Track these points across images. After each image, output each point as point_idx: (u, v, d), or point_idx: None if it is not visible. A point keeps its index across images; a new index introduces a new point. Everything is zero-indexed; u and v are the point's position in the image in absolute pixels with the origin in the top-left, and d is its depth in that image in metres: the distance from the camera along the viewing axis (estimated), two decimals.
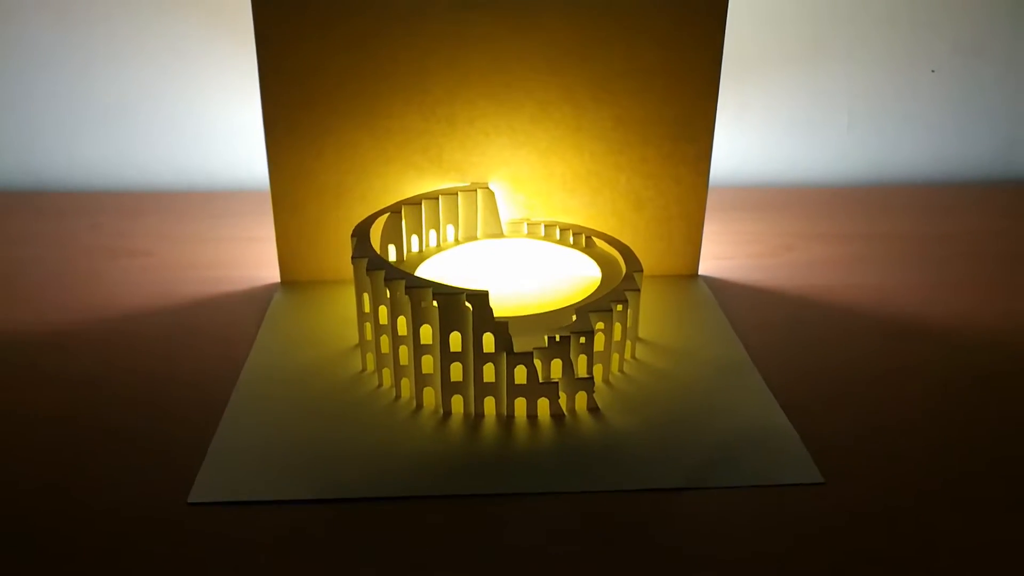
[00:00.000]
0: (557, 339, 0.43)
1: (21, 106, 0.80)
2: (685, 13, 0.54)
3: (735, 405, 0.45)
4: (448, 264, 0.54)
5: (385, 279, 0.44)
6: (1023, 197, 0.83)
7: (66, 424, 0.43)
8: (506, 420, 0.44)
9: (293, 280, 0.60)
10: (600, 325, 0.45)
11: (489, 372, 0.43)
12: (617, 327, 0.47)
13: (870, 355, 0.51)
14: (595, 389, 0.45)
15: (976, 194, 0.83)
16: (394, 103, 0.55)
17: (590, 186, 0.58)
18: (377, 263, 0.45)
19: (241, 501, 0.38)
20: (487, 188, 0.56)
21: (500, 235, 0.57)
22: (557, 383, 0.44)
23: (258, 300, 0.57)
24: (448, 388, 0.44)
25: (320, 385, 0.47)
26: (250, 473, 0.40)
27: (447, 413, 0.44)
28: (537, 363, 0.43)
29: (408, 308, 0.43)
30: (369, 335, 0.48)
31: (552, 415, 0.44)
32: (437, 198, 0.55)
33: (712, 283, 0.60)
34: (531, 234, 0.57)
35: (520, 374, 0.43)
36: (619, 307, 0.46)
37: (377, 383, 0.47)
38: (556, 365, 0.43)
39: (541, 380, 0.43)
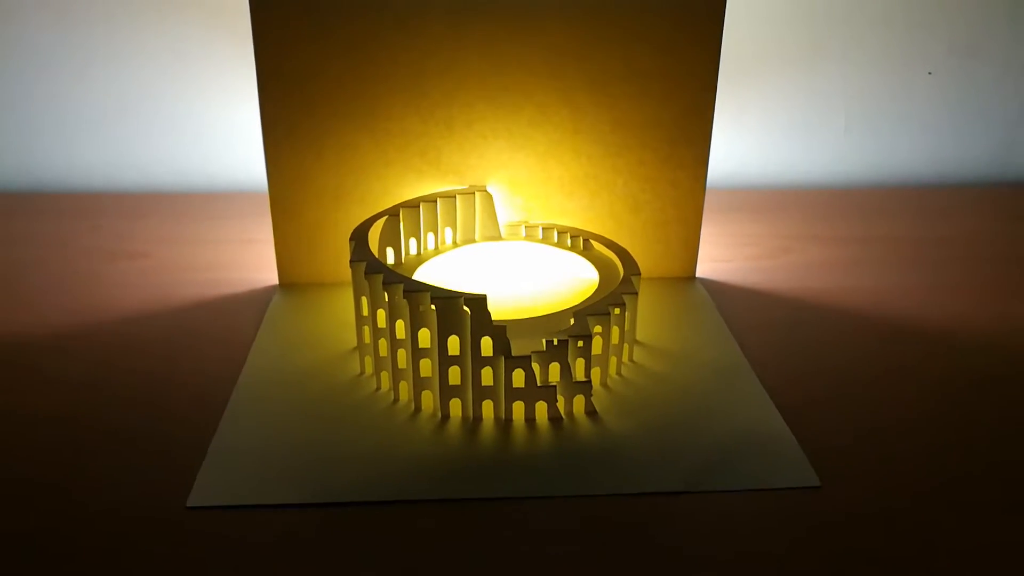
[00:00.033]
0: (555, 343, 0.43)
1: (21, 107, 0.80)
2: (683, 17, 0.54)
3: (732, 408, 0.46)
4: (446, 267, 0.54)
5: (383, 283, 0.44)
6: (1020, 199, 0.83)
7: (66, 425, 0.44)
8: (504, 423, 0.44)
9: (292, 282, 0.60)
10: (598, 329, 0.45)
11: (487, 376, 0.43)
12: (615, 330, 0.47)
13: (867, 357, 0.51)
14: (593, 392, 0.45)
15: (973, 196, 0.83)
16: (393, 106, 0.55)
17: (588, 189, 0.58)
18: (375, 267, 0.45)
19: (240, 505, 0.38)
20: (485, 191, 0.56)
21: (498, 238, 0.57)
22: (555, 387, 0.44)
23: (257, 302, 0.57)
24: (446, 391, 0.44)
25: (319, 388, 0.47)
26: (249, 477, 0.40)
27: (445, 416, 0.44)
28: (535, 367, 0.43)
29: (406, 312, 0.43)
30: (368, 338, 0.48)
31: (550, 418, 0.44)
32: (435, 201, 0.55)
33: (709, 285, 0.61)
34: (529, 237, 0.57)
35: (518, 378, 0.43)
36: (617, 311, 0.46)
37: (375, 386, 0.47)
38: (554, 369, 0.44)
39: (539, 384, 0.44)
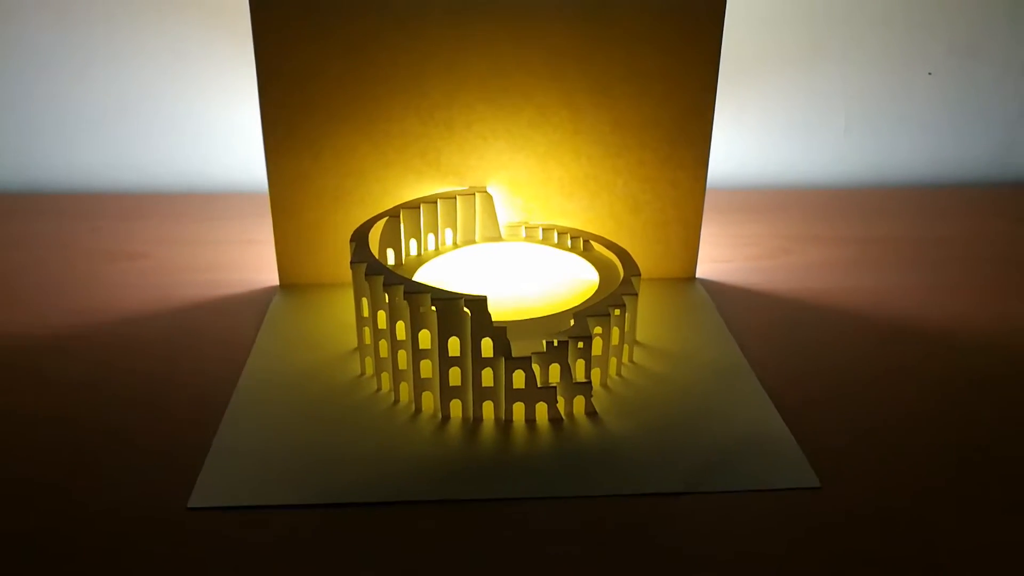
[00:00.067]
0: (555, 344, 0.43)
1: (21, 107, 0.80)
2: (683, 18, 0.54)
3: (732, 409, 0.46)
4: (446, 268, 0.54)
5: (384, 284, 0.44)
6: (1020, 199, 0.83)
7: (66, 425, 0.44)
8: (504, 424, 0.44)
9: (292, 283, 0.60)
10: (598, 330, 0.45)
11: (487, 376, 0.43)
12: (615, 331, 0.47)
13: (867, 357, 0.51)
14: (593, 393, 0.45)
15: (973, 196, 0.83)
16: (392, 107, 0.55)
17: (588, 190, 0.58)
18: (376, 268, 0.46)
19: (241, 506, 0.38)
20: (485, 192, 0.56)
21: (498, 239, 0.57)
22: (555, 387, 0.44)
23: (257, 303, 0.57)
24: (447, 392, 0.44)
25: (319, 389, 0.47)
26: (250, 477, 0.40)
27: (445, 417, 0.44)
28: (535, 367, 0.43)
29: (407, 313, 0.44)
30: (368, 339, 0.48)
31: (550, 419, 0.44)
32: (435, 202, 0.55)
33: (709, 286, 0.61)
34: (529, 238, 0.57)
35: (518, 378, 0.43)
36: (617, 312, 0.46)
37: (376, 387, 0.47)
38: (554, 369, 0.44)
39: (539, 384, 0.44)
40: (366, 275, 0.45)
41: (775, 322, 0.56)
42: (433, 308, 0.43)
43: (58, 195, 0.82)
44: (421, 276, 0.52)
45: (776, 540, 0.36)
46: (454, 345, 0.43)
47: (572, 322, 0.44)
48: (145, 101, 0.80)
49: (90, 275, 0.62)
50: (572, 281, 0.52)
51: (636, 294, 0.49)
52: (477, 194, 0.56)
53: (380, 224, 0.52)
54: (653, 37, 0.54)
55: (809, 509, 0.38)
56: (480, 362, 0.43)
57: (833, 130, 0.85)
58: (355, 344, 0.51)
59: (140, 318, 0.55)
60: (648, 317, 0.54)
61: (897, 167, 0.88)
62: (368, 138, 0.56)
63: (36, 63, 0.78)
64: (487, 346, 0.43)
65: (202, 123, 0.81)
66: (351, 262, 0.47)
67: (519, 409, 0.44)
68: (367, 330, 0.48)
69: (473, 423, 0.44)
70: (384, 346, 0.47)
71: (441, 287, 0.44)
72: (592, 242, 0.55)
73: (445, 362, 0.43)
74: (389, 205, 0.55)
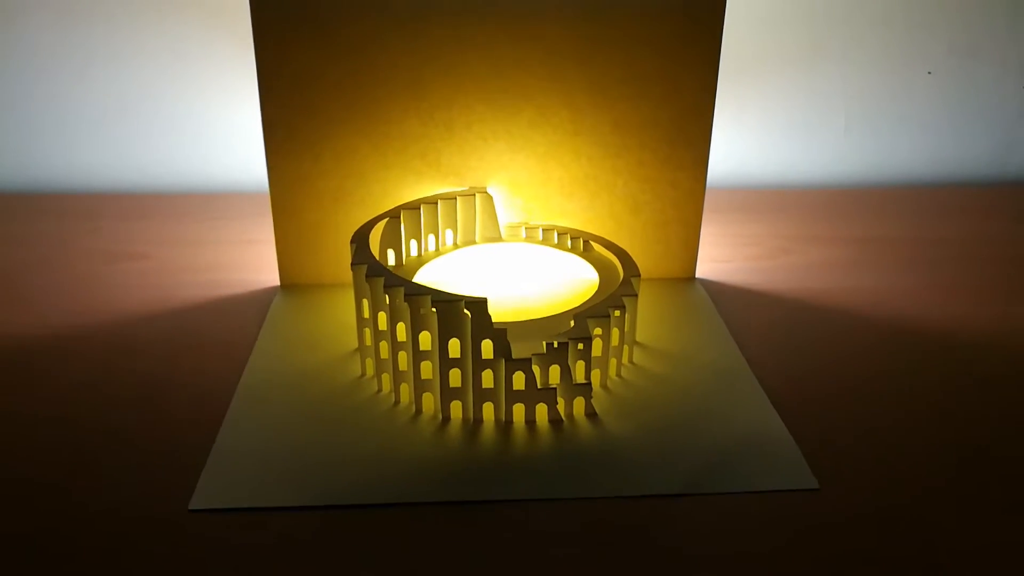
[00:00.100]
0: (555, 345, 0.43)
1: (21, 107, 0.80)
2: (682, 19, 0.54)
3: (732, 410, 0.46)
4: (447, 268, 0.54)
5: (384, 286, 0.44)
6: (1020, 199, 0.83)
7: (66, 425, 0.44)
8: (504, 425, 0.44)
9: (293, 284, 0.60)
10: (598, 331, 0.45)
11: (488, 378, 0.43)
12: (615, 332, 0.47)
13: (867, 358, 0.51)
14: (593, 394, 0.45)
15: (972, 196, 0.83)
16: (393, 108, 0.55)
17: (588, 190, 0.58)
18: (376, 270, 0.46)
19: (242, 508, 0.38)
20: (485, 192, 0.56)
21: (498, 239, 0.57)
22: (555, 389, 0.44)
23: (258, 303, 0.57)
24: (447, 394, 0.44)
25: (320, 390, 0.47)
26: (250, 479, 0.40)
27: (446, 418, 0.44)
28: (535, 369, 0.43)
29: (407, 314, 0.44)
30: (368, 340, 0.48)
31: (550, 420, 0.44)
32: (436, 203, 0.55)
33: (709, 286, 0.61)
34: (529, 238, 0.57)
35: (518, 380, 0.43)
36: (616, 313, 0.46)
37: (376, 388, 0.47)
38: (554, 371, 0.44)
39: (539, 386, 0.44)
40: (367, 277, 0.45)
41: (775, 322, 0.56)
42: (434, 310, 0.43)
43: (58, 195, 0.82)
44: (421, 276, 0.52)
45: (776, 540, 0.37)
46: (454, 346, 0.43)
47: (572, 323, 0.44)
48: (145, 101, 0.80)
49: (90, 275, 0.62)
50: (572, 281, 0.52)
51: (636, 295, 0.49)
52: (477, 195, 0.56)
53: (380, 225, 0.52)
54: (653, 38, 0.54)
55: (809, 509, 0.38)
56: (480, 363, 0.43)
57: (833, 130, 0.85)
58: (356, 345, 0.51)
59: (140, 318, 0.55)
60: (648, 318, 0.54)
61: (897, 167, 0.88)
62: (368, 139, 0.56)
63: (36, 63, 0.78)
64: (487, 347, 0.43)
65: (202, 123, 0.81)
66: (352, 264, 0.47)
67: (519, 410, 0.44)
68: (368, 331, 0.48)
69: (473, 424, 0.44)
70: (385, 347, 0.47)
71: (441, 288, 0.44)
72: (592, 242, 0.55)
73: (445, 363, 0.44)
74: (389, 206, 0.55)
